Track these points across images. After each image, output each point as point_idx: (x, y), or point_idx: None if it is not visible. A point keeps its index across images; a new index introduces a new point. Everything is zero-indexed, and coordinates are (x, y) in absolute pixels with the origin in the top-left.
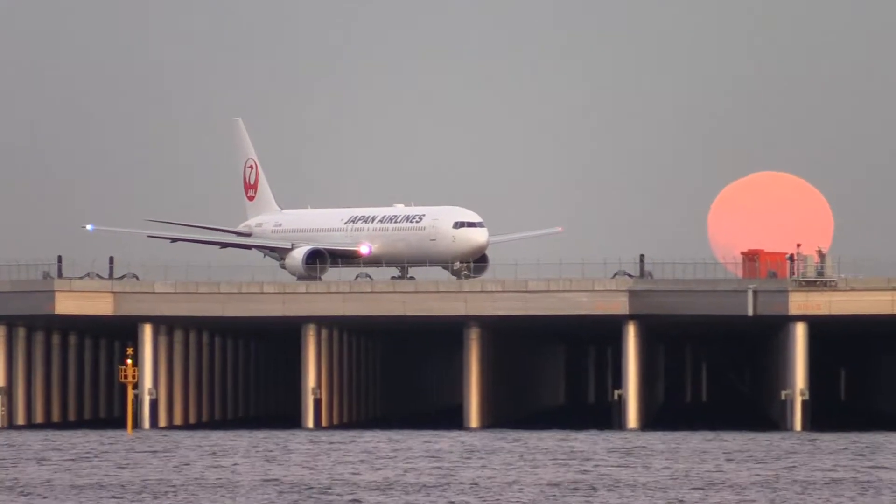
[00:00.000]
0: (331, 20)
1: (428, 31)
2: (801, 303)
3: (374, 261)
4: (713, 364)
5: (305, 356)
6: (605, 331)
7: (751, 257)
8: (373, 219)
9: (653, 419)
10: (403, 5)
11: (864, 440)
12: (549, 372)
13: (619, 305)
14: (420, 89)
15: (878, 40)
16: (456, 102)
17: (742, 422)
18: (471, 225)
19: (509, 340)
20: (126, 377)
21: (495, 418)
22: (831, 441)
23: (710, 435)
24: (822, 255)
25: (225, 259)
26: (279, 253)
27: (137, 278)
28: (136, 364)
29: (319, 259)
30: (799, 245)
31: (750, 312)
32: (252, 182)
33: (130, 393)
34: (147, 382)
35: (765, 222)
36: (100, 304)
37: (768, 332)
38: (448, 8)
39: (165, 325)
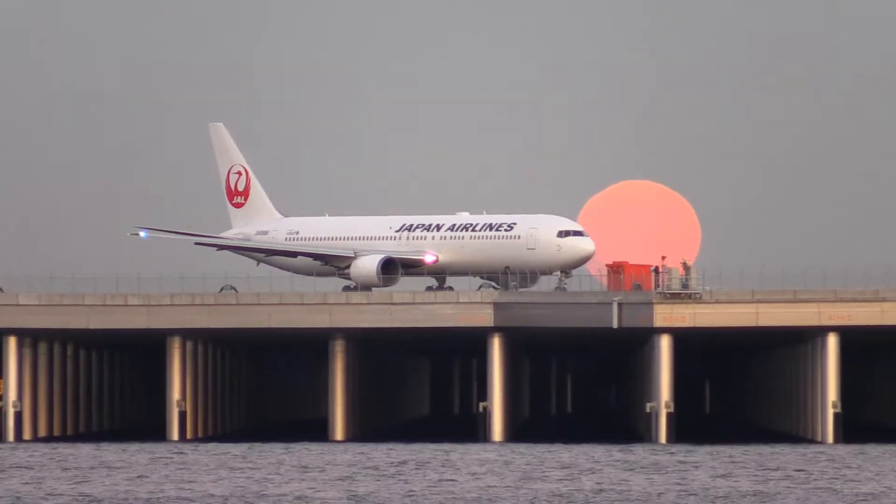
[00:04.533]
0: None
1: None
2: (666, 315)
3: (439, 270)
4: (579, 376)
5: (170, 368)
6: (470, 343)
7: (616, 269)
8: (437, 227)
9: (518, 431)
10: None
11: (726, 452)
12: (415, 383)
13: (483, 318)
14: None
15: (750, 47)
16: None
17: (607, 434)
18: (576, 234)
19: (375, 352)
20: None
21: (361, 430)
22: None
23: (573, 448)
24: (686, 268)
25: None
26: (334, 261)
27: (2, 290)
28: (0, 377)
29: (392, 268)
30: (664, 257)
31: (615, 325)
32: (241, 189)
33: None
34: (12, 395)
35: (632, 233)
36: None
37: (633, 344)
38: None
39: (30, 338)
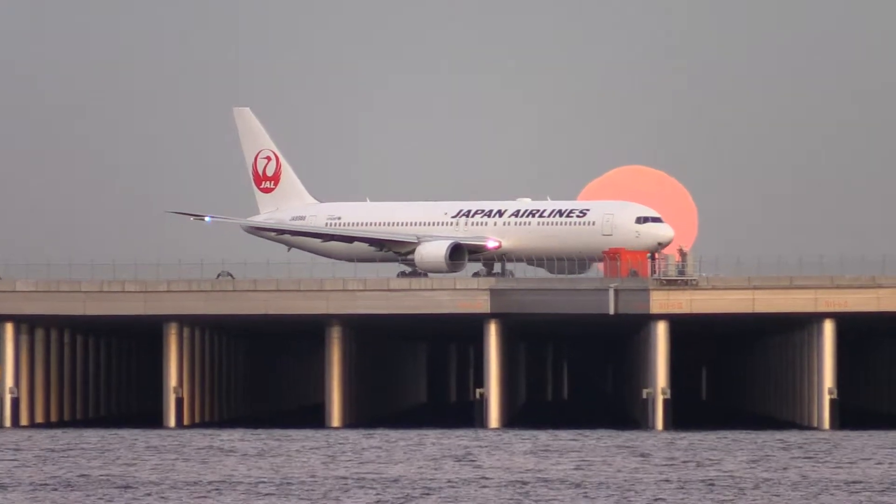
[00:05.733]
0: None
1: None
2: (663, 301)
3: (501, 256)
4: (575, 363)
5: (167, 355)
6: (466, 329)
7: (612, 256)
8: (499, 213)
9: (514, 418)
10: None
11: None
12: (412, 370)
13: (480, 304)
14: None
15: (743, 35)
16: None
17: (603, 420)
18: (655, 220)
19: (372, 339)
20: None
21: (357, 417)
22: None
23: (569, 434)
24: (683, 254)
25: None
26: (394, 247)
27: None
28: None
29: (459, 254)
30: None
31: (611, 311)
32: (270, 174)
33: None
34: (9, 381)
35: None
36: None
37: (630, 330)
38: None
39: (27, 324)
